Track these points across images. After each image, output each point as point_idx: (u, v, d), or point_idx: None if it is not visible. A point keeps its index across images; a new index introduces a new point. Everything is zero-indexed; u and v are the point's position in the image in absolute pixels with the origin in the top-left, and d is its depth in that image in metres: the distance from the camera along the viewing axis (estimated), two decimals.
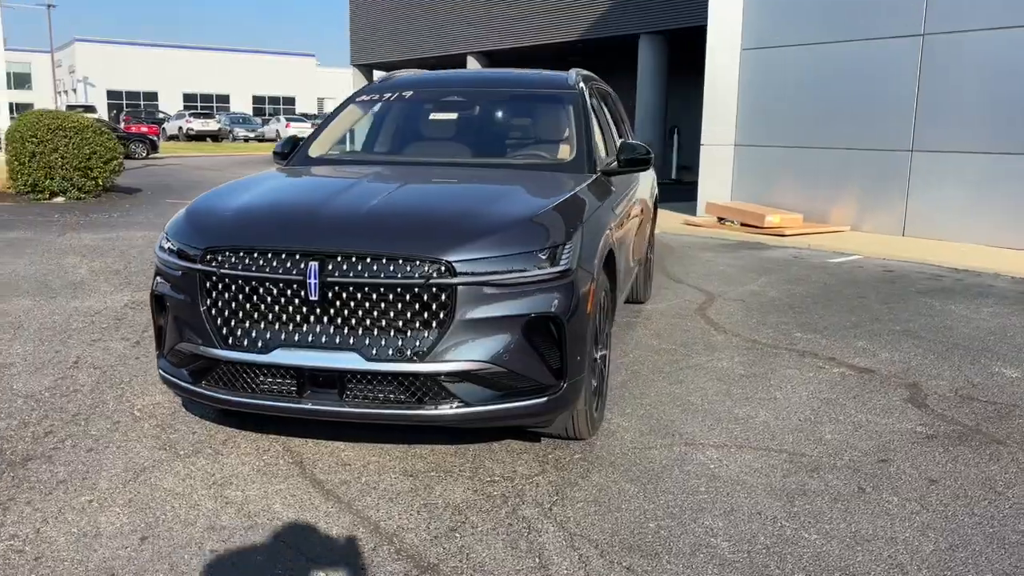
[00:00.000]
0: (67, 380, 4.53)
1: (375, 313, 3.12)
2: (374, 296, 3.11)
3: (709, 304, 6.63)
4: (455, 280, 3.08)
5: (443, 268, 3.09)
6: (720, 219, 11.05)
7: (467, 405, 3.19)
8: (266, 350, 3.20)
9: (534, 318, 3.18)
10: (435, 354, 3.11)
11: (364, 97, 4.99)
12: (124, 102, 66.03)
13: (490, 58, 26.85)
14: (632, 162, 4.45)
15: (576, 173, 4.21)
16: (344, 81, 49.71)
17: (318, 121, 36.83)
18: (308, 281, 3.11)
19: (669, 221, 11.56)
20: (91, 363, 4.82)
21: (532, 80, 5.15)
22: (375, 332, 3.13)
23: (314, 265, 3.11)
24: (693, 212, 12.04)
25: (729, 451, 3.72)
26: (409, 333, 3.12)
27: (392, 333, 3.12)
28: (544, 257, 3.22)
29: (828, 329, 5.85)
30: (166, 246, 3.48)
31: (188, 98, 69.37)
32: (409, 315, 3.12)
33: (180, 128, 46.20)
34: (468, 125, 4.97)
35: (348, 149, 5.39)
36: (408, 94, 4.98)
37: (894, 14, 10.06)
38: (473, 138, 4.82)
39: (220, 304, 3.26)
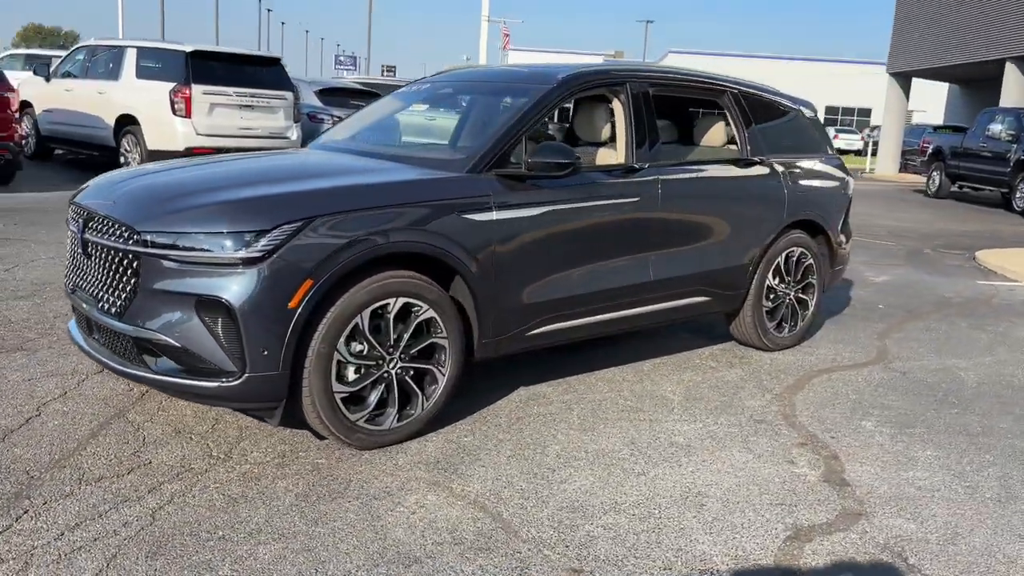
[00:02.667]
0: None
1: (103, 270, 3.49)
2: (103, 255, 3.49)
3: (850, 368, 5.16)
4: (140, 249, 3.30)
5: (135, 238, 3.32)
6: None
7: (153, 372, 3.38)
8: (70, 292, 3.81)
9: (206, 299, 3.22)
10: (127, 317, 3.38)
11: (400, 90, 5.15)
12: None
13: None
14: (538, 166, 3.89)
15: (435, 170, 3.88)
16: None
17: (874, 134, 34.29)
18: (77, 235, 3.63)
19: None
20: None
21: (519, 76, 4.69)
22: (104, 287, 3.50)
23: (80, 222, 3.61)
24: None
25: (448, 500, 3.20)
26: (116, 294, 3.43)
27: (110, 291, 3.46)
28: (233, 241, 3.22)
29: (924, 431, 4.18)
30: None
31: None
32: (116, 277, 3.42)
33: None
34: (429, 119, 4.83)
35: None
36: (424, 87, 5.01)
37: None
38: (416, 131, 4.69)
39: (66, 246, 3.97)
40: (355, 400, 3.56)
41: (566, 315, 4.21)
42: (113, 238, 3.41)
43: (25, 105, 13.85)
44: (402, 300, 3.56)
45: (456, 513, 3.11)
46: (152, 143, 11.33)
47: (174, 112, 11.07)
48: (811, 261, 5.46)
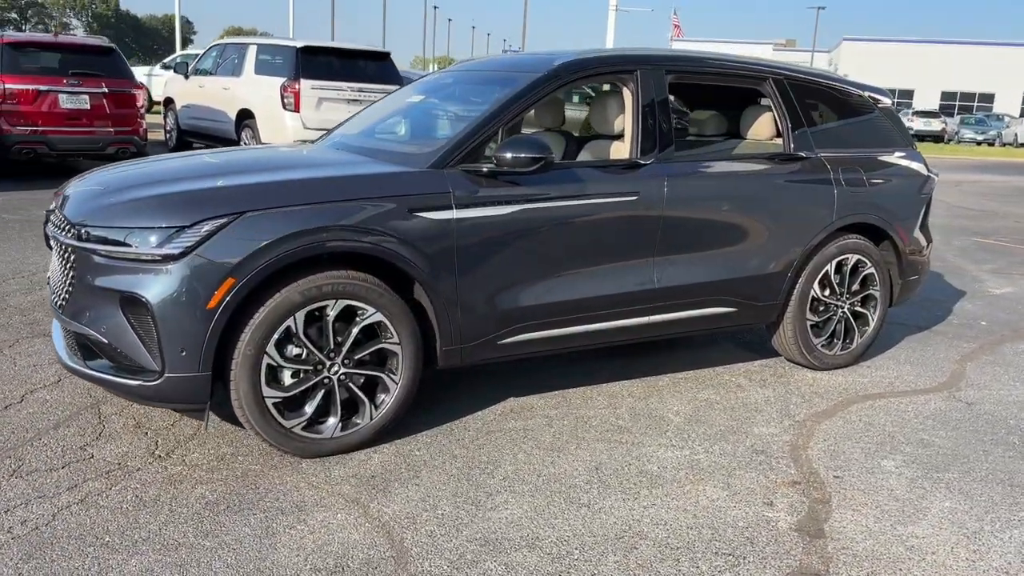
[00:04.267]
0: None
1: (57, 263, 3.50)
2: (56, 248, 3.50)
3: (904, 395, 4.49)
4: (74, 243, 3.28)
5: (71, 231, 3.30)
6: None
7: (91, 369, 3.35)
8: (47, 283, 3.87)
9: (128, 296, 3.15)
10: (67, 311, 3.37)
11: (414, 82, 4.95)
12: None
13: None
14: (504, 161, 3.57)
15: (395, 165, 3.65)
16: None
17: None
18: (43, 227, 3.67)
19: None
20: None
21: (516, 64, 4.34)
22: (58, 281, 3.50)
23: (46, 214, 3.64)
24: None
25: (357, 522, 3.00)
26: (62, 287, 3.43)
27: (60, 284, 3.46)
28: (153, 237, 3.14)
29: (957, 476, 3.53)
30: None
31: (946, 96, 65.50)
32: (62, 271, 3.42)
33: None
34: (415, 112, 4.59)
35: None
36: (432, 78, 4.78)
37: None
38: (399, 124, 4.47)
39: None
40: (293, 406, 3.40)
41: (548, 323, 3.87)
42: (58, 231, 3.42)
43: (169, 101, 14.82)
44: (343, 303, 3.36)
45: (356, 537, 2.88)
46: (265, 136, 11.73)
47: (284, 106, 11.40)
48: (871, 270, 4.79)
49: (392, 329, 3.48)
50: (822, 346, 4.74)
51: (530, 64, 4.14)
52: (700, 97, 5.36)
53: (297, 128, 11.39)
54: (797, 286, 4.57)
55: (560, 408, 4.10)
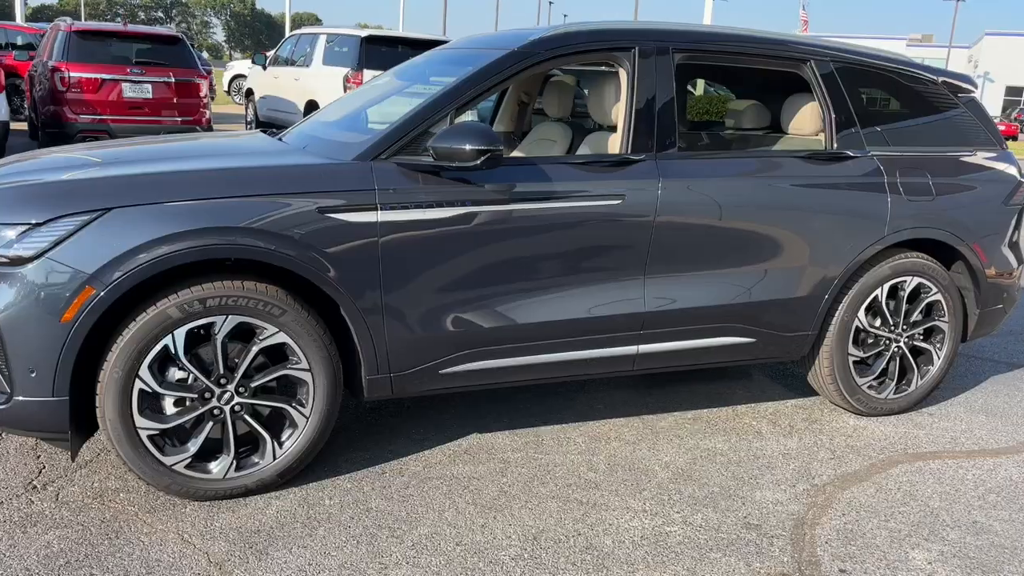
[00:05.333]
0: None
1: None
2: None
3: (967, 457, 3.59)
4: None
5: None
6: None
7: None
8: None
9: None
10: None
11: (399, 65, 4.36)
12: (1022, 99, 61.63)
13: None
14: (442, 153, 2.94)
15: (318, 157, 3.10)
16: None
17: None
18: None
19: None
20: None
21: (492, 41, 3.65)
22: None
23: None
24: None
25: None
26: None
27: None
28: (8, 234, 2.66)
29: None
30: None
31: None
32: None
33: None
34: (378, 97, 3.99)
35: None
36: (413, 60, 4.17)
37: None
38: (357, 112, 3.88)
39: None
40: (178, 440, 2.87)
41: (504, 351, 3.21)
42: None
43: (249, 92, 14.81)
44: (235, 319, 2.80)
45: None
46: None
47: None
48: (937, 296, 3.89)
49: (299, 352, 2.90)
50: (869, 387, 3.88)
51: (504, 40, 3.48)
52: (747, 83, 4.56)
53: None
54: (836, 314, 3.73)
55: (525, 451, 3.42)
